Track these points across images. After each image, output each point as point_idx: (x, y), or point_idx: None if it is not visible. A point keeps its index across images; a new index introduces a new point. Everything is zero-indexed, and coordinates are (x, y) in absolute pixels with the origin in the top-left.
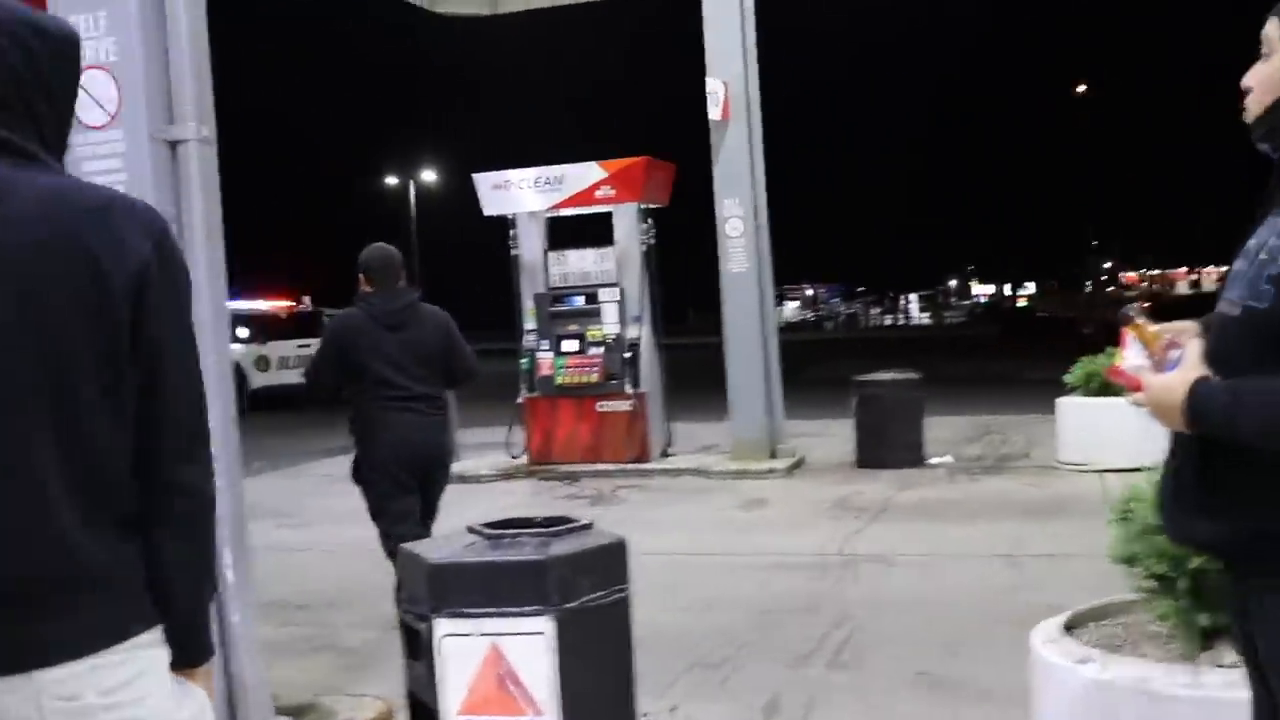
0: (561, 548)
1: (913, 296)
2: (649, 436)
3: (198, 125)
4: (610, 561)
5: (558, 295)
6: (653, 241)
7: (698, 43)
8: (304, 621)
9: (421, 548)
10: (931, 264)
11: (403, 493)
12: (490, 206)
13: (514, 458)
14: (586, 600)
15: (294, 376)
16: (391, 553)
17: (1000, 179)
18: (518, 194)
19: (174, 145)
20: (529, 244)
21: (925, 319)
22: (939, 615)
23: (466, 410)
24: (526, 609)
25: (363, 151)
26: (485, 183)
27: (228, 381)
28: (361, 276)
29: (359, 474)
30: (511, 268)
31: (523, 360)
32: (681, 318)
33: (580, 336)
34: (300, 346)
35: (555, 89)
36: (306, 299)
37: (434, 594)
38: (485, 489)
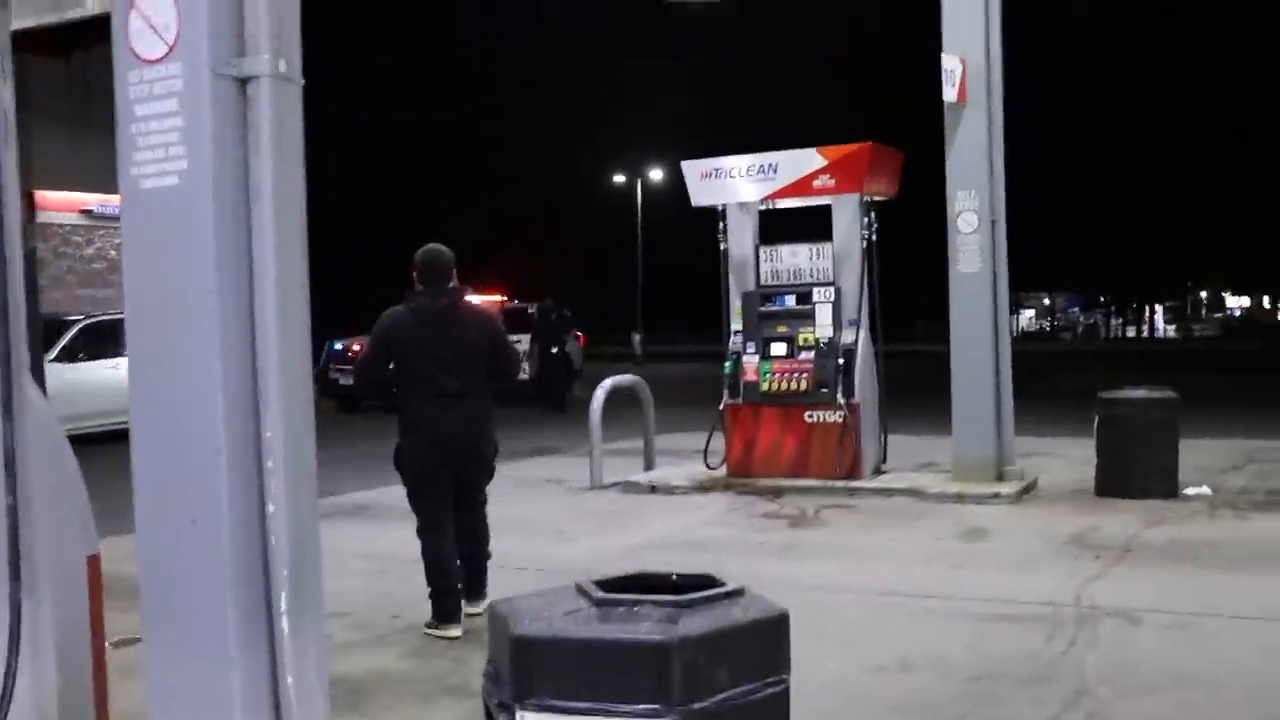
0: (695, 624)
1: (1158, 308)
2: (861, 451)
3: (273, 58)
4: (765, 644)
5: (767, 294)
6: (874, 238)
7: (934, 16)
8: (440, 653)
9: (510, 609)
10: (1180, 272)
11: (434, 484)
12: (699, 196)
13: (711, 469)
14: (726, 698)
15: None
16: (422, 535)
17: (1262, 176)
18: (728, 183)
19: (243, 83)
20: (739, 238)
21: (1171, 332)
22: (1205, 698)
23: (666, 415)
24: (641, 707)
25: (581, 147)
26: (694, 171)
27: (306, 383)
28: (414, 275)
29: (398, 461)
30: (720, 263)
31: (726, 364)
32: (909, 326)
33: (790, 340)
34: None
35: (782, 72)
36: (503, 296)
37: (519, 676)
38: (677, 501)
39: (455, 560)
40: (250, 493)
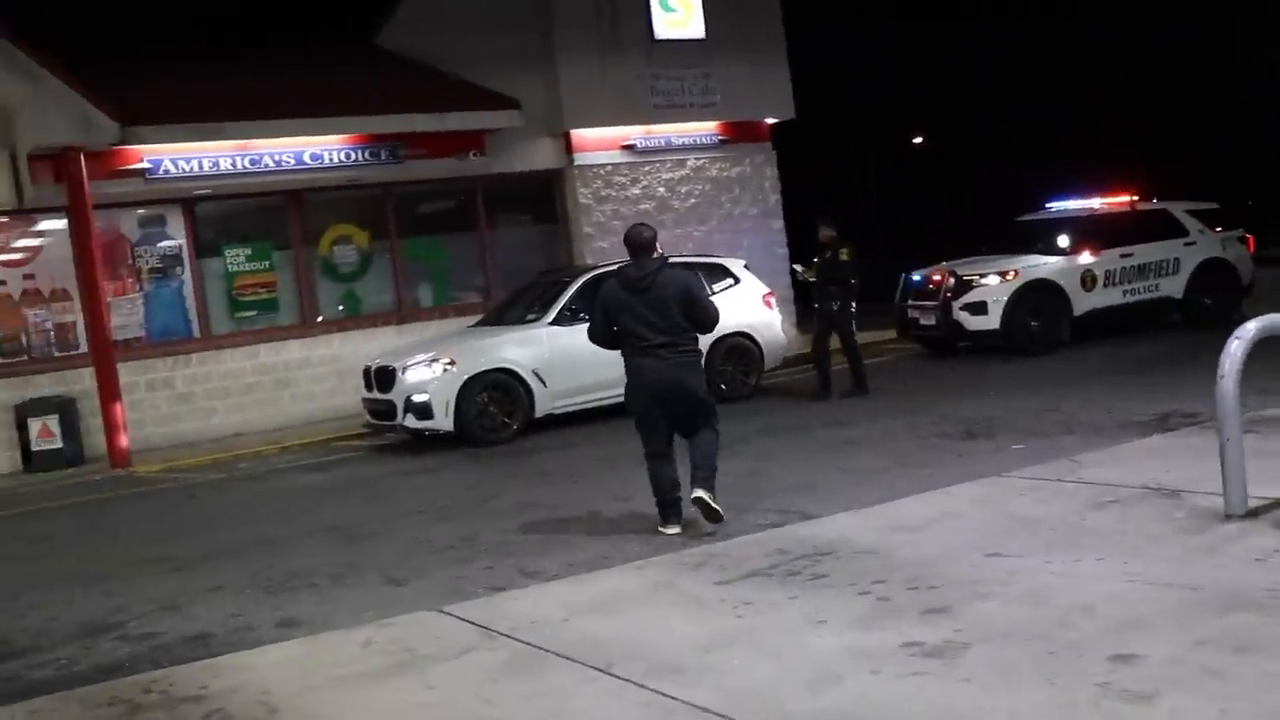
0: None
1: None
2: None
3: None
4: None
5: None
6: None
7: None
8: None
9: None
10: None
11: (649, 418)
12: None
13: None
14: None
15: (1118, 295)
16: (647, 459)
17: None
18: None
19: None
20: None
21: None
22: None
23: None
24: None
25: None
26: None
27: None
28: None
29: (627, 400)
30: None
31: None
32: None
33: None
34: (1123, 256)
35: None
36: (1132, 196)
37: None
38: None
39: (673, 478)
40: None
